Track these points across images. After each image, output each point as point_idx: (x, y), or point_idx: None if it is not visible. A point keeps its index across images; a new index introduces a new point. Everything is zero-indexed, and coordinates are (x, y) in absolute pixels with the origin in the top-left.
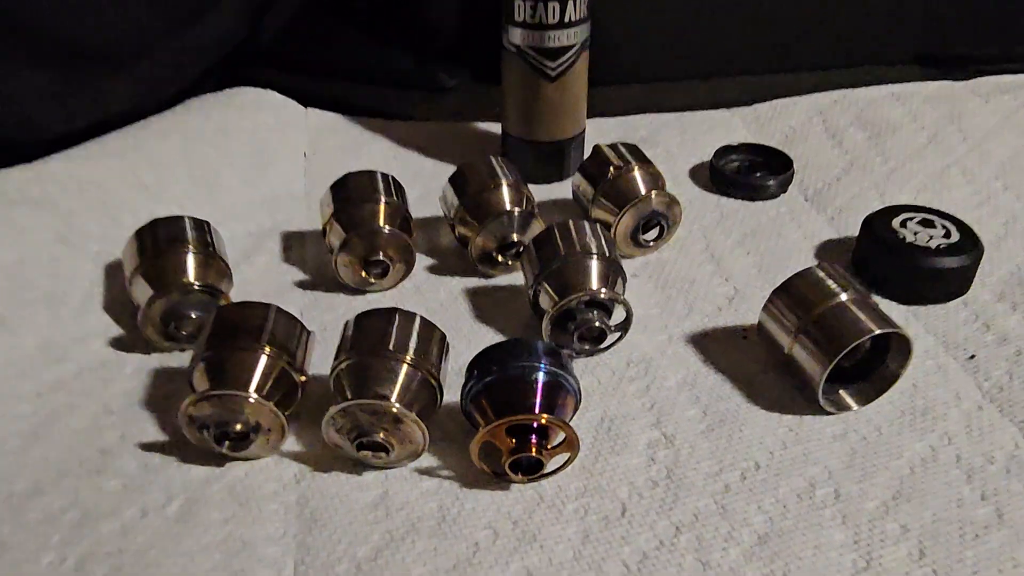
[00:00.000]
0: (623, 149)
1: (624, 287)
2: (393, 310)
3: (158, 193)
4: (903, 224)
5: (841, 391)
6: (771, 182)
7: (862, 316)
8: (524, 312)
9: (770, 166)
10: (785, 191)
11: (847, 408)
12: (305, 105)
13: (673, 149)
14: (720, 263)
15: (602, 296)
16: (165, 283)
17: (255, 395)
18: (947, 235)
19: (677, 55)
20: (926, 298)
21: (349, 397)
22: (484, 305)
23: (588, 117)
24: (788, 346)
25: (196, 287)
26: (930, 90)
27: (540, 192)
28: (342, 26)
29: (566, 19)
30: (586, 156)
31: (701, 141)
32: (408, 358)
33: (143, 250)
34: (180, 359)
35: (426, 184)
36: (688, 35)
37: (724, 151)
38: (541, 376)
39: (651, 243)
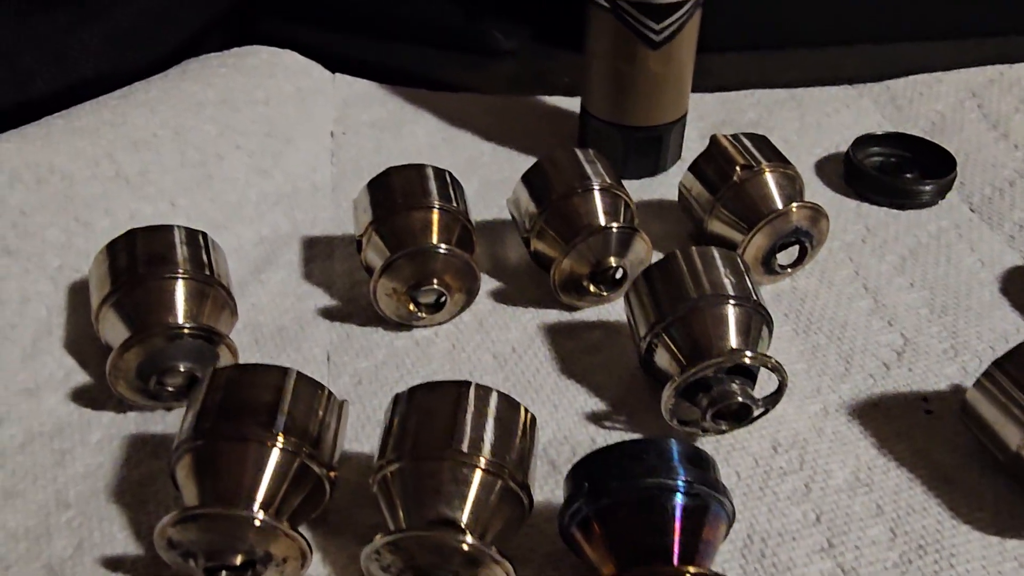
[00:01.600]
0: (748, 143)
1: (770, 341)
2: (464, 386)
3: (141, 186)
4: None
5: None
6: (928, 187)
7: None
8: (628, 364)
9: (922, 164)
10: (943, 197)
11: None
12: (332, 70)
13: (791, 136)
14: (878, 298)
15: (747, 360)
16: (144, 322)
17: (263, 515)
18: None
19: (786, 18)
20: None
21: (402, 520)
22: (571, 352)
23: None
24: (1018, 443)
25: (186, 330)
26: None
27: (632, 190)
28: None
29: None
30: (701, 149)
31: (826, 126)
32: (483, 460)
33: (117, 273)
34: (168, 422)
35: (485, 176)
36: None
37: (864, 142)
38: (679, 500)
39: (787, 268)
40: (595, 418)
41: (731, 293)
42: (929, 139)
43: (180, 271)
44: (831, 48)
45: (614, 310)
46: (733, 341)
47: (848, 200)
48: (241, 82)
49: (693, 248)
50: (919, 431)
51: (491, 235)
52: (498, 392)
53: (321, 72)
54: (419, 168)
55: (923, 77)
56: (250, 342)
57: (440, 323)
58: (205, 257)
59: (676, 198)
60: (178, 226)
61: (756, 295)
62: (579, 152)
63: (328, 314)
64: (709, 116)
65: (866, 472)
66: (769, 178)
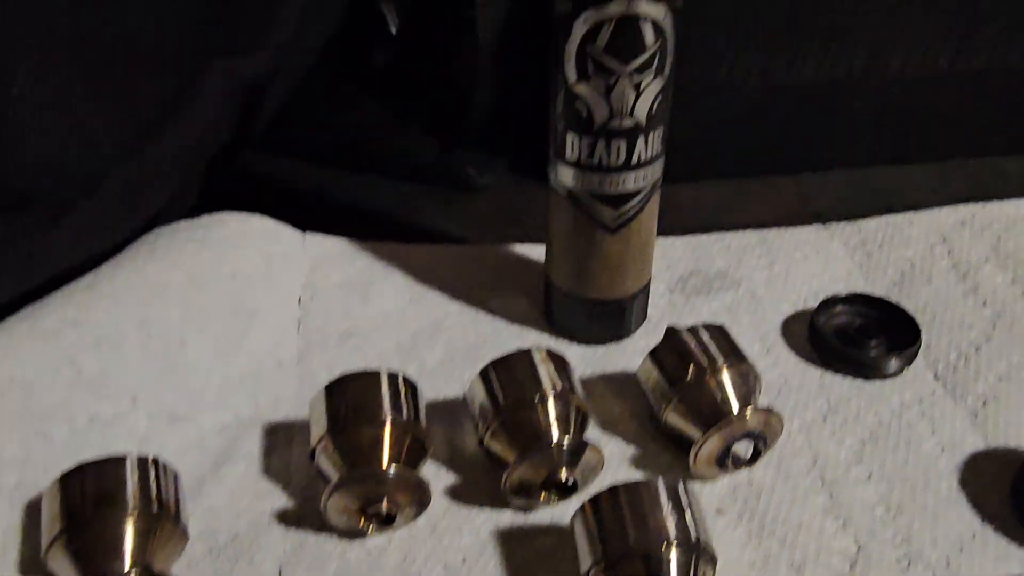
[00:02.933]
0: (706, 337)
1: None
2: None
3: (102, 386)
4: None
5: None
6: (892, 359)
7: None
8: (574, 572)
9: (888, 326)
10: (909, 365)
11: None
12: (309, 206)
13: (759, 290)
14: (834, 493)
15: None
16: (91, 566)
17: None
18: None
19: (758, 146)
20: None
21: None
22: (523, 561)
23: None
24: None
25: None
26: None
27: (595, 358)
28: (352, 104)
29: (635, 160)
30: (669, 302)
31: (794, 275)
32: None
33: (66, 512)
34: None
35: (449, 342)
36: (772, 122)
37: (828, 304)
38: None
39: (741, 466)
40: None
41: (673, 538)
42: (895, 300)
43: (129, 509)
44: (804, 174)
45: (568, 512)
46: None
47: (812, 369)
48: (208, 257)
49: (642, 486)
50: None
51: (450, 417)
52: None
53: (291, 235)
54: (373, 377)
55: (895, 218)
56: (203, 552)
57: (394, 530)
58: (155, 488)
59: (637, 367)
60: (130, 459)
61: (701, 537)
62: (535, 355)
63: (283, 518)
64: (678, 265)
65: None
66: (725, 378)
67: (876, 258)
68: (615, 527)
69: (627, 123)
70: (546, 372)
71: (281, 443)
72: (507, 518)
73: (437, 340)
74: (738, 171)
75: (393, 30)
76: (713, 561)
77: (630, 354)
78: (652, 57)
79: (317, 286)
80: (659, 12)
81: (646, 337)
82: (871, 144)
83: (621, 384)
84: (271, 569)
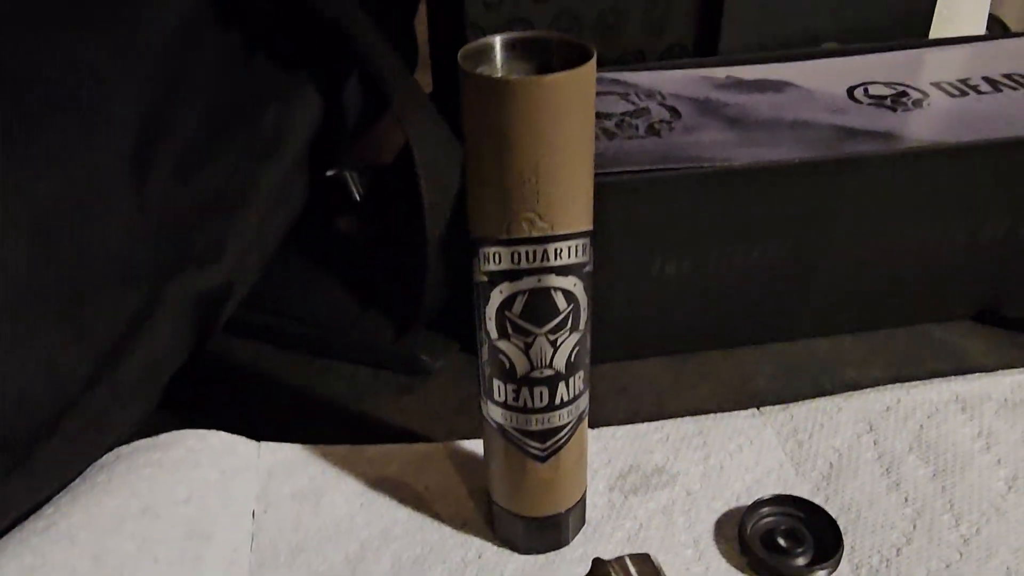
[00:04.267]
0: (631, 566)
1: None
2: None
3: None
4: None
5: None
6: (816, 572)
7: None
8: None
9: (813, 528)
10: (835, 571)
11: None
12: (249, 397)
13: (694, 487)
14: None
15: None
16: None
17: None
18: None
19: (694, 325)
20: None
21: None
22: None
23: (592, 426)
24: None
25: None
26: (1003, 392)
27: (535, 568)
28: (303, 274)
29: (557, 402)
30: (607, 501)
31: (728, 469)
32: None
33: None
34: None
35: (396, 553)
36: (707, 302)
37: (755, 507)
38: None
39: None
40: None
41: None
42: (824, 496)
43: None
44: (738, 348)
45: None
46: None
47: None
48: (164, 481)
49: None
50: None
51: None
52: None
53: (247, 447)
54: None
55: (824, 404)
56: None
57: None
58: None
59: (576, 573)
60: None
61: None
62: None
63: None
64: (618, 459)
65: None
66: None
67: (806, 448)
68: None
69: (547, 372)
70: None
71: None
72: None
73: (384, 551)
74: (676, 348)
75: (357, 197)
76: None
77: (569, 562)
78: (566, 318)
79: (270, 498)
80: (569, 282)
81: (585, 544)
82: (803, 318)
83: None
84: None
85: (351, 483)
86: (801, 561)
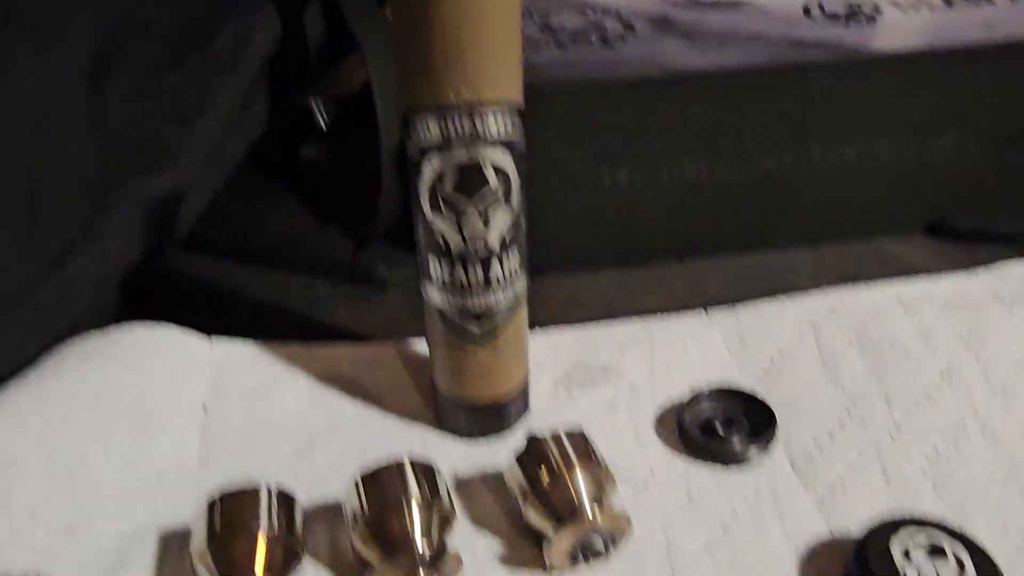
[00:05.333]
0: (566, 441)
1: None
2: None
3: (2, 506)
4: (907, 555)
5: None
6: (751, 449)
7: None
8: None
9: (750, 417)
10: (767, 452)
11: None
12: (208, 311)
13: (639, 383)
14: None
15: None
16: None
17: None
18: (960, 567)
19: (647, 236)
20: None
21: None
22: None
23: (540, 324)
24: None
25: None
26: (943, 293)
27: (477, 455)
28: (264, 193)
29: (493, 281)
30: (554, 395)
31: (673, 368)
32: None
33: None
34: None
35: (345, 442)
36: (660, 213)
37: (695, 401)
38: None
39: (591, 563)
40: None
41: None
42: (763, 389)
43: None
44: (689, 259)
45: None
46: None
47: (677, 459)
48: (113, 371)
49: None
50: None
51: (335, 521)
52: None
53: (198, 342)
54: (252, 494)
55: (770, 306)
56: None
57: None
58: None
59: (505, 471)
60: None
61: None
62: (408, 466)
63: None
64: (565, 358)
65: None
66: (579, 480)
67: (751, 348)
68: None
69: (481, 249)
70: (413, 482)
71: (174, 551)
72: None
73: (333, 441)
74: (628, 260)
75: (323, 126)
76: None
77: (509, 448)
78: (496, 191)
79: (221, 392)
80: (499, 157)
81: (528, 428)
82: (755, 231)
83: (497, 482)
84: None
85: (302, 380)
86: (737, 445)
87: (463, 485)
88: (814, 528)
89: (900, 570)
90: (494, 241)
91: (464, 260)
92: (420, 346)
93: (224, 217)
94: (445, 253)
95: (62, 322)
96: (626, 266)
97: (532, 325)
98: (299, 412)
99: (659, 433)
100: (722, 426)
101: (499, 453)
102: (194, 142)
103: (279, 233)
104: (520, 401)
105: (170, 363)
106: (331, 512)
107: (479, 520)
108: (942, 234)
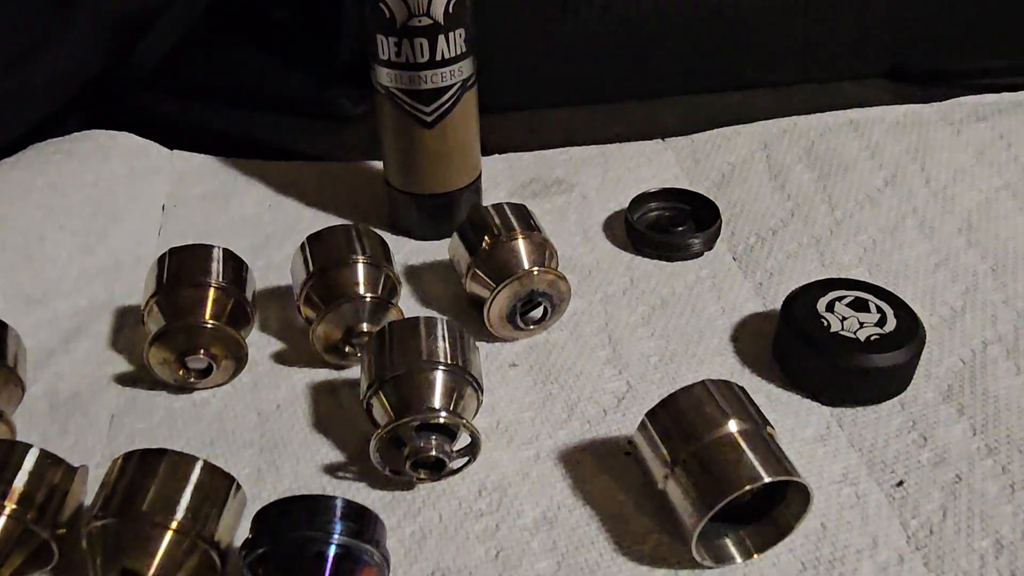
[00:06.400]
0: (508, 211)
1: (480, 400)
2: (161, 454)
3: None
4: (830, 307)
5: (726, 538)
6: (694, 240)
7: (751, 456)
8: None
9: (697, 216)
10: (712, 247)
11: (730, 561)
12: (177, 141)
13: (590, 193)
14: (617, 348)
15: (441, 419)
16: None
17: None
18: (882, 321)
19: (608, 73)
20: (855, 399)
21: (97, 570)
22: (327, 409)
23: (500, 151)
24: (661, 481)
25: None
26: (896, 116)
27: (428, 250)
28: (234, 44)
29: (439, 57)
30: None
31: (625, 182)
32: (174, 522)
33: None
34: None
35: (300, 240)
36: (621, 50)
37: (641, 199)
38: (331, 551)
39: (532, 327)
40: (331, 470)
41: (442, 361)
42: (705, 193)
43: None
44: (651, 100)
45: None
46: (435, 401)
47: (623, 254)
48: (72, 167)
49: (420, 319)
50: (614, 471)
51: (286, 300)
52: (203, 461)
53: (159, 151)
54: (204, 249)
55: (725, 130)
56: (44, 408)
57: (219, 384)
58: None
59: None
60: None
61: (465, 362)
62: (352, 228)
63: (122, 380)
64: (521, 174)
65: (554, 511)
66: (519, 244)
67: (703, 165)
68: (392, 352)
69: (426, 21)
70: (358, 241)
71: (130, 323)
72: (323, 374)
73: (288, 240)
74: (588, 97)
75: None
76: (478, 389)
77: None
78: None
79: (180, 196)
80: None
81: None
82: (718, 71)
83: (446, 272)
84: (104, 418)
85: (261, 189)
86: (681, 237)
87: (412, 272)
88: (750, 306)
89: (823, 320)
90: (438, 12)
91: (410, 34)
92: (376, 166)
93: (192, 60)
94: (390, 27)
95: (17, 121)
96: (586, 103)
97: (491, 152)
98: (257, 216)
99: (607, 234)
100: (668, 223)
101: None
102: None
103: (245, 73)
104: (470, 201)
105: (130, 165)
106: (282, 294)
107: (426, 302)
108: (900, 77)
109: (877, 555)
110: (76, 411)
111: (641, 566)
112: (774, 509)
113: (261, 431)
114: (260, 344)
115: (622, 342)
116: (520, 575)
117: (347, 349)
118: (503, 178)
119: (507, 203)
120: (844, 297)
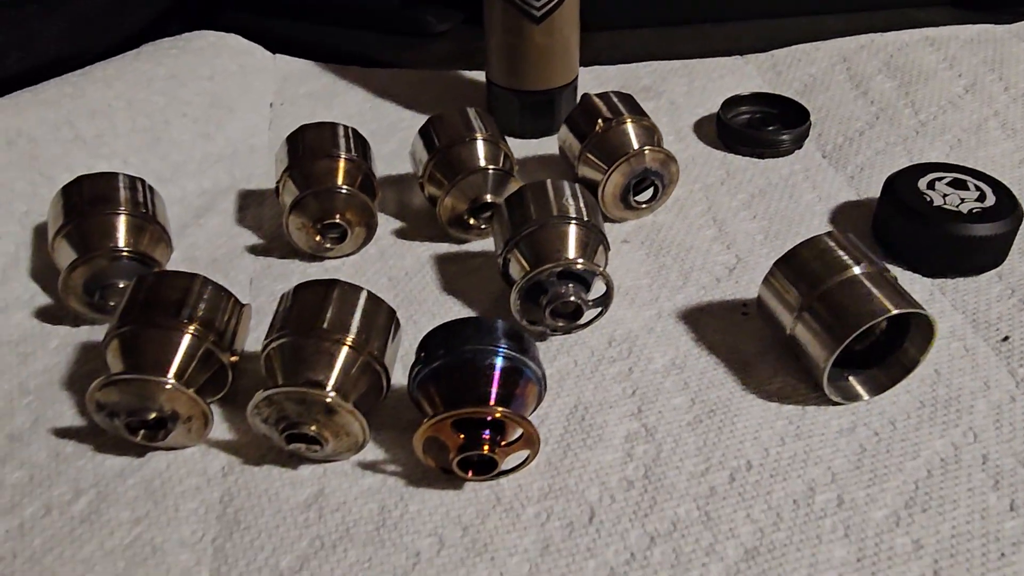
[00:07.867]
0: (615, 99)
1: (607, 257)
2: (333, 283)
3: (97, 147)
4: (931, 185)
5: (851, 378)
6: (784, 136)
7: (877, 293)
8: (498, 283)
9: (785, 119)
10: (800, 147)
11: (857, 398)
12: (274, 51)
13: (678, 100)
14: (723, 228)
15: (578, 267)
16: (89, 247)
17: (171, 380)
18: (981, 198)
19: None
20: (955, 270)
21: (279, 383)
22: (454, 274)
23: (585, 65)
24: (790, 326)
25: (125, 253)
26: (970, 34)
27: (529, 147)
28: None
29: None
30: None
31: (710, 90)
32: (349, 339)
33: (68, 210)
34: None
35: (403, 138)
36: None
37: (732, 102)
38: (499, 362)
39: (644, 205)
40: None
41: (571, 215)
42: (794, 98)
43: (121, 209)
44: (728, 24)
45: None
46: (570, 253)
47: (716, 152)
48: (189, 61)
49: (546, 180)
50: (733, 328)
51: (401, 185)
52: (366, 290)
53: (263, 52)
54: (331, 125)
55: (804, 46)
56: (188, 269)
57: (347, 254)
58: (143, 199)
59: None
60: (122, 174)
61: (594, 219)
62: (468, 110)
63: (254, 250)
64: (609, 83)
65: (682, 359)
66: (629, 128)
67: (784, 76)
68: (524, 212)
69: None
70: (477, 123)
71: (254, 203)
72: (444, 247)
73: (392, 136)
74: (669, 19)
75: None
76: (604, 243)
77: (553, 139)
78: None
79: (286, 94)
80: None
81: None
82: None
83: (549, 163)
84: (244, 279)
85: (361, 92)
86: (771, 134)
87: (518, 163)
88: (844, 195)
89: (925, 196)
90: None
91: None
92: (471, 75)
93: None
94: None
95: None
96: (665, 24)
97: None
98: (360, 114)
99: (698, 135)
100: (759, 124)
101: (550, 147)
102: None
103: None
104: (568, 100)
105: (239, 63)
106: (394, 181)
107: None
108: (965, 4)
109: (990, 395)
110: (217, 274)
111: (770, 403)
112: (895, 353)
113: (395, 291)
114: (381, 222)
115: (727, 223)
116: (658, 407)
117: (471, 221)
118: (591, 86)
119: (614, 92)
120: (944, 177)
